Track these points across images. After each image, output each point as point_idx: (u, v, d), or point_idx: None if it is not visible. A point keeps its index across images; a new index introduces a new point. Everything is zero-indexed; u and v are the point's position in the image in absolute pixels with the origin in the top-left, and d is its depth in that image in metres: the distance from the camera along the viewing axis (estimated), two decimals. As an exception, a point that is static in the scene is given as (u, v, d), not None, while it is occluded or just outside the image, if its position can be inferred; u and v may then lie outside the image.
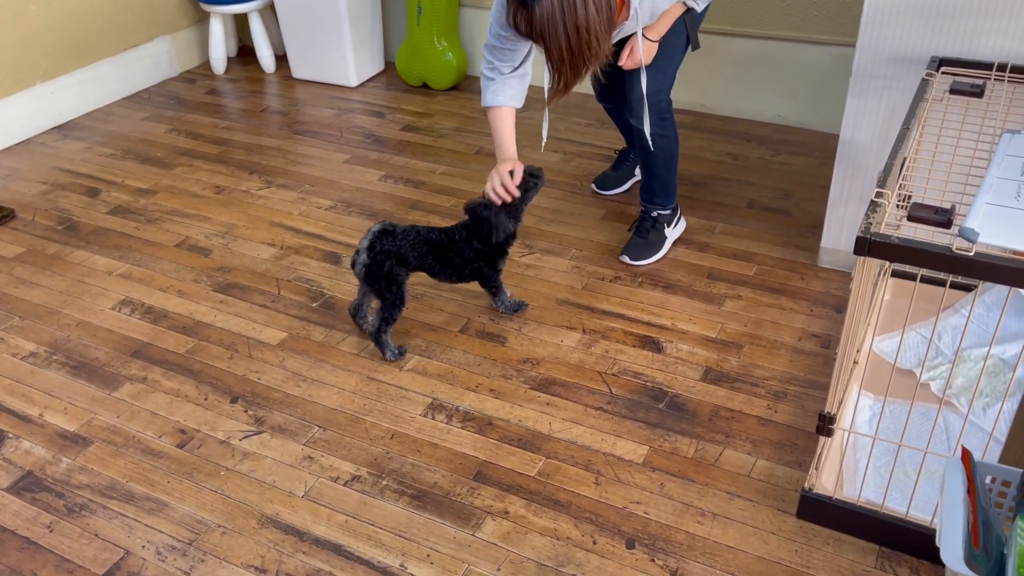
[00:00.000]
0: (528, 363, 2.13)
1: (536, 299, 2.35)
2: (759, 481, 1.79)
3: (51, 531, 1.70)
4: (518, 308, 2.30)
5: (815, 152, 3.09)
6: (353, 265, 2.10)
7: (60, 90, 3.41)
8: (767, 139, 3.21)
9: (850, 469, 1.76)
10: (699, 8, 2.21)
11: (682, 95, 3.44)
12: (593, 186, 2.88)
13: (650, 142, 2.34)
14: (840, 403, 1.67)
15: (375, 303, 2.17)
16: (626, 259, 2.48)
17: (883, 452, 1.79)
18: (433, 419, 1.97)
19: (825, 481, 1.68)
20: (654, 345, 2.18)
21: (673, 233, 2.55)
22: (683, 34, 2.26)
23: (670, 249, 2.53)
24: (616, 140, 3.24)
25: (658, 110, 2.33)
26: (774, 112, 3.31)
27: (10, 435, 1.93)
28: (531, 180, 2.16)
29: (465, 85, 3.73)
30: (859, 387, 1.91)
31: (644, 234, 2.49)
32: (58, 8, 3.32)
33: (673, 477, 1.80)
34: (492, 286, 2.25)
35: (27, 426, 1.96)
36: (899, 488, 1.69)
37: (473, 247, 2.14)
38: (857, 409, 1.89)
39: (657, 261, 2.49)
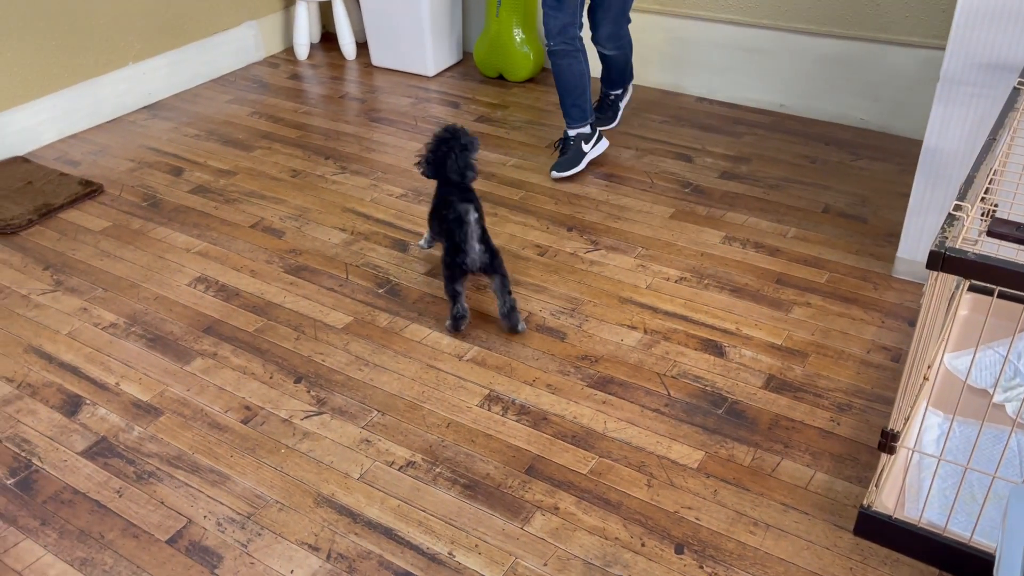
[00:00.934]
0: (587, 360, 2.13)
1: (598, 296, 2.35)
2: (816, 494, 1.75)
3: (120, 496, 1.78)
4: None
5: (896, 158, 2.99)
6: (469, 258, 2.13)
7: (150, 71, 3.54)
8: (847, 143, 3.12)
9: (913, 488, 1.70)
10: None
11: (761, 95, 3.37)
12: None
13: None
14: (906, 420, 1.61)
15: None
16: (554, 174, 2.90)
17: (949, 473, 1.73)
18: (489, 410, 1.98)
19: (885, 499, 1.64)
20: (716, 349, 2.15)
21: (592, 151, 2.95)
22: None
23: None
24: (689, 138, 3.20)
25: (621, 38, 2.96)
26: (856, 115, 3.21)
27: (88, 401, 2.03)
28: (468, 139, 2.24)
29: (541, 78, 3.73)
30: (928, 404, 1.85)
31: (565, 151, 2.93)
32: (152, -8, 3.44)
33: (728, 484, 1.78)
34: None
35: (104, 394, 2.05)
36: (964, 511, 1.63)
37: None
38: (924, 427, 1.83)
39: (575, 174, 2.90)
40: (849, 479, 1.78)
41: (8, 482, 1.82)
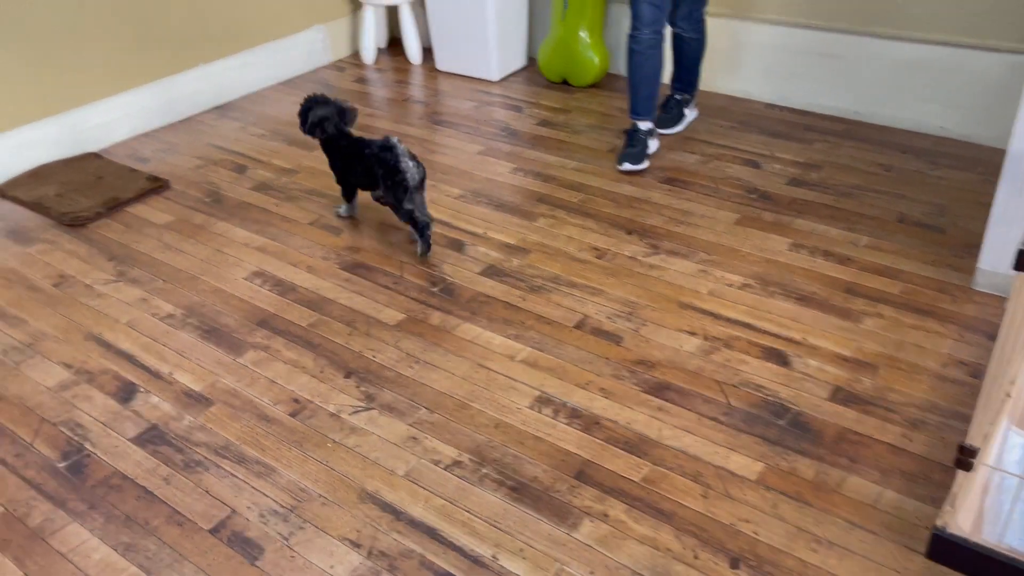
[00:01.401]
0: (643, 365, 2.05)
1: (657, 301, 2.27)
2: (885, 513, 1.64)
3: (167, 483, 1.78)
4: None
5: (978, 167, 2.83)
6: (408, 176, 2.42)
7: (221, 72, 3.60)
8: (926, 151, 2.98)
9: (992, 510, 1.58)
10: None
11: (834, 101, 3.25)
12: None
13: None
14: (985, 437, 1.50)
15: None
16: (626, 166, 2.86)
17: (1033, 497, 1.60)
18: (539, 412, 1.92)
19: (962, 521, 1.52)
20: (780, 358, 2.05)
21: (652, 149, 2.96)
22: None
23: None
24: (757, 144, 3.11)
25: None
26: (936, 123, 3.07)
27: (141, 389, 2.04)
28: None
29: (605, 83, 3.67)
30: (1010, 422, 1.72)
31: (634, 144, 2.88)
32: (224, -5, 3.51)
33: (788, 498, 1.68)
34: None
35: (157, 382, 2.06)
36: (1049, 539, 1.50)
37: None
38: (1006, 446, 1.70)
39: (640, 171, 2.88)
40: (921, 499, 1.66)
41: (60, 465, 1.83)
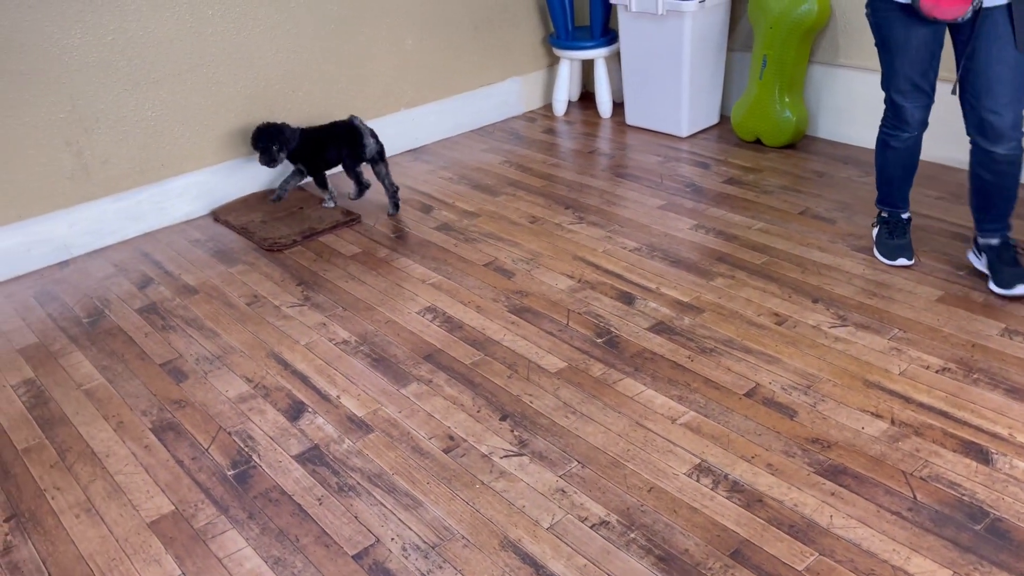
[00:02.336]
0: (817, 444, 1.89)
1: (840, 376, 2.09)
2: (1102, 653, 1.39)
3: (320, 504, 1.82)
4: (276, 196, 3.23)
5: None
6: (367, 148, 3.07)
7: (419, 117, 3.78)
8: None
9: None
10: None
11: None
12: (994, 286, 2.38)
13: None
14: None
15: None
16: (1019, 289, 2.32)
17: None
18: (697, 481, 1.81)
19: None
20: (981, 455, 1.82)
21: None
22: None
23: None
24: (969, 218, 2.84)
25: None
26: None
27: (309, 409, 2.12)
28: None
29: (802, 144, 3.51)
30: None
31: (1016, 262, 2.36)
32: (430, 44, 3.70)
33: (979, 617, 1.47)
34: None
35: (325, 404, 2.14)
36: None
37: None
38: None
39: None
40: None
41: (229, 473, 1.93)
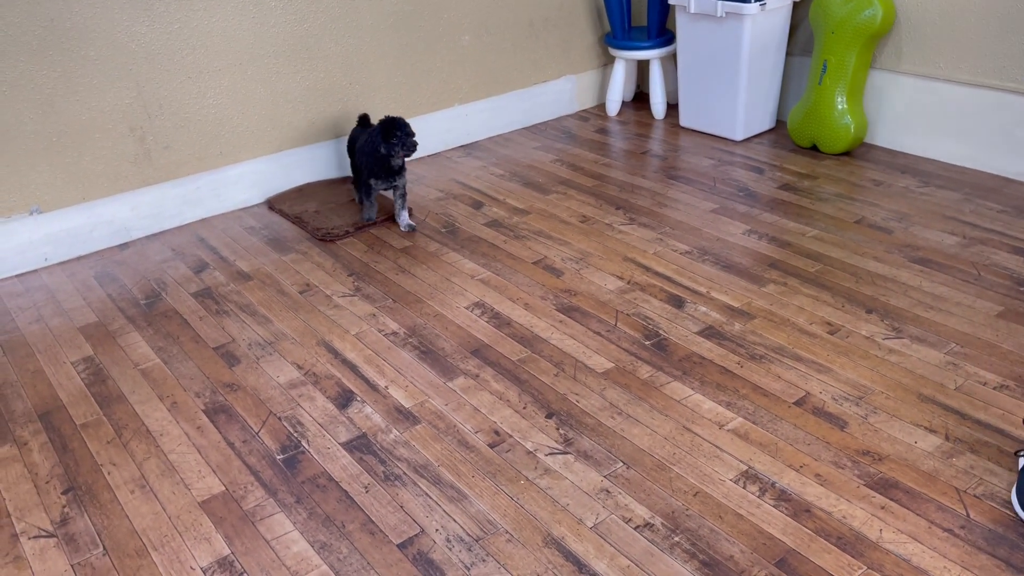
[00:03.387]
0: (868, 456, 1.86)
1: (893, 389, 2.06)
2: None
3: (367, 492, 1.85)
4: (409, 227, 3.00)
5: None
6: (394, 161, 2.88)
7: (473, 113, 3.80)
8: None
9: None
10: None
11: None
12: None
13: None
14: None
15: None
16: None
17: None
18: (744, 488, 1.79)
19: None
20: (1038, 475, 1.77)
21: None
22: None
23: None
24: (1034, 231, 2.76)
25: None
26: None
27: (358, 398, 2.15)
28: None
29: (859, 152, 3.45)
30: None
31: None
32: (487, 40, 3.71)
33: (1033, 640, 1.43)
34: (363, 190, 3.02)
35: (373, 394, 2.16)
36: None
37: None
38: None
39: None
40: None
41: (278, 457, 1.96)
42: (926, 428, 1.93)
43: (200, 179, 3.15)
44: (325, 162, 3.42)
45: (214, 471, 1.93)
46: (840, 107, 3.37)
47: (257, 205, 3.29)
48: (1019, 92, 3.03)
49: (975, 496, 1.73)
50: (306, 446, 1.99)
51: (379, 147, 2.83)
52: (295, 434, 2.03)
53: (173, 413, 2.13)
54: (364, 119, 3.09)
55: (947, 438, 1.89)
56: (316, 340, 2.40)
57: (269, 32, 3.13)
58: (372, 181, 2.90)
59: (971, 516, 1.69)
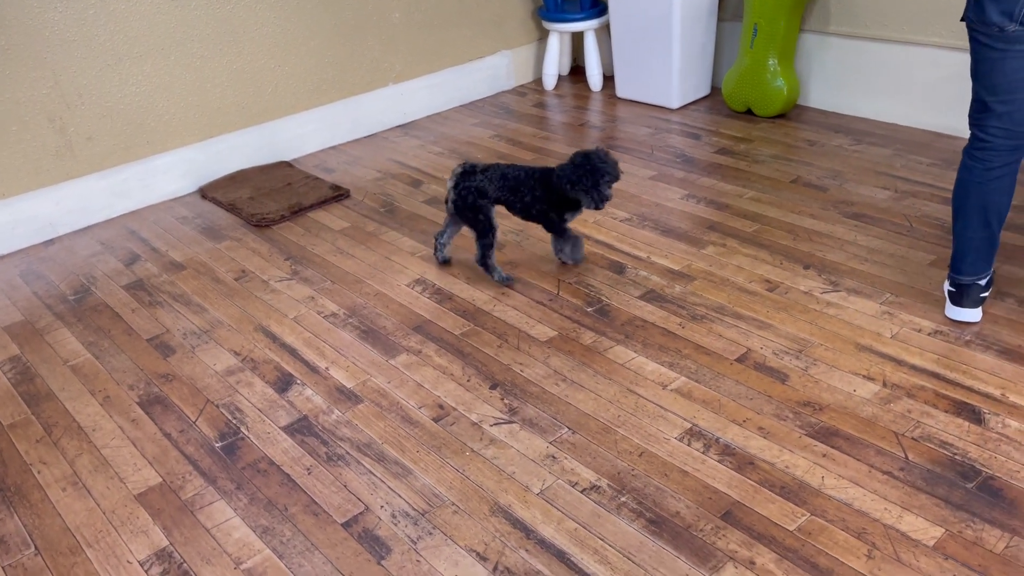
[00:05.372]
0: (809, 407, 1.87)
1: (831, 341, 2.08)
2: (1094, 605, 1.38)
3: (309, 473, 1.81)
4: (578, 260, 2.47)
5: None
6: (446, 203, 2.43)
7: (408, 92, 3.75)
8: None
9: None
10: None
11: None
12: None
13: None
14: None
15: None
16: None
17: None
18: (689, 445, 1.80)
19: None
20: (973, 414, 1.81)
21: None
22: None
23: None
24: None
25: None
26: None
27: (298, 381, 2.11)
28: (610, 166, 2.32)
29: (793, 114, 3.48)
30: None
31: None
32: (418, 17, 3.66)
33: (970, 571, 1.46)
34: (557, 232, 2.43)
35: (313, 376, 2.12)
36: None
37: (545, 193, 2.36)
38: None
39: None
40: None
41: (216, 445, 1.91)
42: (864, 376, 1.95)
43: (127, 170, 3.05)
44: (258, 147, 3.34)
45: (150, 463, 1.87)
46: (772, 70, 3.39)
47: (189, 194, 3.21)
48: (944, 47, 3.08)
49: (913, 439, 1.76)
50: (245, 432, 1.94)
51: (586, 188, 2.28)
52: (234, 421, 1.98)
53: (106, 408, 2.06)
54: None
55: (884, 385, 1.92)
56: (253, 326, 2.34)
57: (191, 15, 3.04)
58: (569, 215, 2.40)
59: (909, 458, 1.71)
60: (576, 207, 2.39)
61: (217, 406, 2.04)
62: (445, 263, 2.57)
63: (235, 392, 2.08)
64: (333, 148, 3.54)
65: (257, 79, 3.26)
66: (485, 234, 2.39)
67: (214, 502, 1.75)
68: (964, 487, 1.63)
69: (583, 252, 2.48)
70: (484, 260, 2.42)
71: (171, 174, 3.15)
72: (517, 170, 2.40)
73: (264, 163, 3.36)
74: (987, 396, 1.86)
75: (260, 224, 2.91)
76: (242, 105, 3.26)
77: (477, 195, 2.36)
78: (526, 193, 2.38)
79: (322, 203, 3.03)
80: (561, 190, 2.32)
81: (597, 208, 2.31)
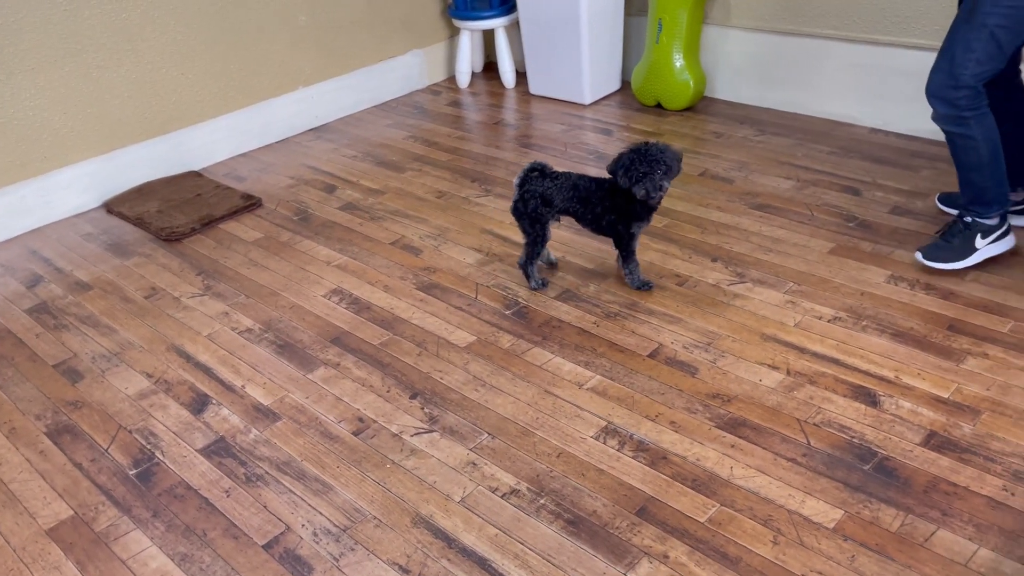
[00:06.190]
0: (718, 399, 1.94)
1: (738, 332, 2.16)
2: (978, 573, 1.48)
3: (228, 496, 1.79)
4: (642, 286, 2.35)
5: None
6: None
7: (319, 95, 3.70)
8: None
9: (1106, 582, 1.40)
10: None
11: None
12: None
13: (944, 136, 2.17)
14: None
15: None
16: (919, 256, 2.27)
17: None
18: (604, 443, 1.85)
19: (1067, 590, 1.35)
20: (869, 398, 1.90)
21: (988, 248, 2.24)
22: (986, 17, 1.95)
23: (974, 267, 2.24)
24: (859, 171, 2.94)
25: (952, 106, 2.07)
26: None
27: (214, 401, 2.08)
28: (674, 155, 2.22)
29: (701, 106, 3.57)
30: None
31: (949, 238, 2.25)
32: (324, 19, 3.61)
33: (868, 551, 1.54)
34: (624, 249, 2.32)
35: (229, 395, 2.09)
36: None
37: (613, 202, 2.26)
38: None
39: (955, 270, 2.23)
40: (1022, 560, 1.49)
41: (130, 472, 1.88)
42: (769, 366, 2.03)
43: (25, 187, 2.94)
44: (164, 158, 3.26)
45: (61, 496, 1.83)
46: (678, 64, 3.47)
47: (94, 209, 3.11)
48: (837, 39, 3.21)
49: (814, 424, 1.85)
50: (160, 457, 1.91)
51: (642, 186, 2.18)
52: (148, 446, 1.95)
53: (12, 440, 2.00)
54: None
55: (788, 373, 2.00)
56: (166, 346, 2.30)
57: (85, 24, 2.94)
58: (635, 226, 2.30)
59: (811, 444, 1.80)
60: (641, 216, 2.27)
61: (130, 431, 2.00)
62: (553, 265, 2.48)
63: (148, 416, 2.04)
64: (243, 155, 3.48)
65: (159, 88, 3.18)
66: (536, 243, 2.34)
67: (129, 532, 1.72)
68: (862, 469, 1.72)
69: (639, 279, 2.35)
70: (526, 265, 2.37)
71: (73, 189, 3.05)
72: (588, 181, 2.31)
73: (171, 174, 3.28)
74: (882, 379, 1.96)
75: (169, 238, 2.84)
76: (145, 115, 3.17)
77: (541, 202, 2.29)
78: (597, 204, 2.28)
79: (233, 213, 2.98)
80: (614, 176, 2.21)
81: (649, 199, 2.18)
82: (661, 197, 2.20)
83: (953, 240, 2.24)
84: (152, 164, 3.23)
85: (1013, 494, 1.63)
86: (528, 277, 2.39)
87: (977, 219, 2.21)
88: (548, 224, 2.34)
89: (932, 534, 1.56)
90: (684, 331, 2.18)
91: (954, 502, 1.62)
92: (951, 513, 1.60)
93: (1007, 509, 1.60)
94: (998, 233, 2.24)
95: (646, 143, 2.22)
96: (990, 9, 1.97)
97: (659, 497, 1.70)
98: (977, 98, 2.07)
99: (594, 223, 2.32)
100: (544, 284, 2.40)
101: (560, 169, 2.39)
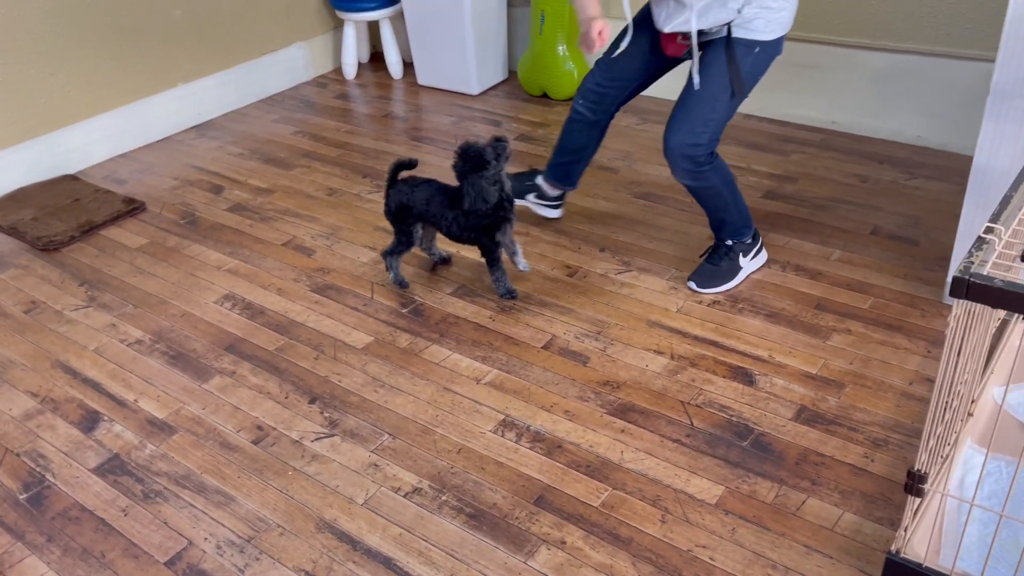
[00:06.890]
0: (608, 386, 2.04)
1: (626, 320, 2.26)
2: (843, 536, 1.62)
3: (126, 515, 1.77)
4: (507, 294, 2.35)
5: (955, 177, 2.82)
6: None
7: (200, 91, 3.60)
8: (903, 161, 2.96)
9: (950, 534, 1.56)
10: (759, 37, 2.07)
11: (812, 112, 3.24)
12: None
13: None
14: (932, 459, 1.48)
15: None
16: (692, 285, 2.35)
17: (992, 519, 1.58)
18: (502, 437, 1.92)
19: (917, 545, 1.50)
20: (746, 377, 2.04)
21: (750, 264, 2.38)
22: (724, 78, 2.10)
23: (744, 280, 2.37)
24: (733, 156, 3.09)
25: (693, 162, 2.18)
26: (913, 133, 3.05)
27: (105, 418, 2.04)
28: (500, 145, 2.22)
29: (585, 95, 3.66)
30: (971, 442, 1.70)
31: (715, 261, 2.35)
32: (201, 13, 3.51)
33: (747, 523, 1.67)
34: (488, 256, 2.32)
35: (121, 410, 2.06)
36: (1005, 561, 1.49)
37: (464, 213, 2.24)
38: (968, 467, 1.68)
39: (726, 291, 2.33)
40: (880, 521, 1.65)
41: (21, 497, 1.83)
42: (655, 351, 2.15)
43: None
44: (37, 162, 3.12)
45: (-54, 527, 1.77)
46: (562, 54, 3.55)
47: (-38, 219, 2.95)
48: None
49: (696, 406, 1.97)
50: (52, 479, 1.87)
51: (482, 189, 2.17)
52: (38, 469, 1.90)
53: None
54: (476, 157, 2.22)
55: (672, 357, 2.12)
56: (50, 362, 2.23)
57: (-60, 24, 2.77)
58: (499, 236, 2.26)
59: (695, 424, 1.92)
60: (500, 224, 2.24)
61: (18, 455, 1.94)
62: (444, 262, 2.52)
63: (36, 437, 1.98)
64: (123, 156, 3.36)
65: (28, 89, 3.04)
66: (400, 244, 2.37)
67: (24, 559, 1.68)
68: (740, 446, 1.85)
69: (505, 286, 2.35)
70: (387, 256, 2.40)
71: (-63, 199, 2.89)
72: (451, 190, 2.26)
73: (46, 178, 3.15)
74: (757, 359, 2.10)
75: (48, 248, 2.73)
76: (13, 118, 3.02)
77: (400, 209, 2.33)
78: (454, 214, 2.25)
79: (115, 219, 2.89)
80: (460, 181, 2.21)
81: (472, 208, 2.17)
82: (496, 195, 2.18)
83: (720, 263, 2.34)
84: (24, 169, 3.09)
85: (873, 460, 1.79)
86: (388, 268, 2.41)
87: (737, 240, 2.35)
88: (413, 230, 2.36)
89: (803, 503, 1.70)
90: (576, 321, 2.27)
91: (822, 471, 1.77)
92: (820, 482, 1.75)
93: (868, 475, 1.75)
94: (756, 248, 2.39)
95: (463, 146, 2.20)
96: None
97: (555, 485, 1.78)
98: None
99: (456, 234, 2.31)
100: (404, 284, 2.40)
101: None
